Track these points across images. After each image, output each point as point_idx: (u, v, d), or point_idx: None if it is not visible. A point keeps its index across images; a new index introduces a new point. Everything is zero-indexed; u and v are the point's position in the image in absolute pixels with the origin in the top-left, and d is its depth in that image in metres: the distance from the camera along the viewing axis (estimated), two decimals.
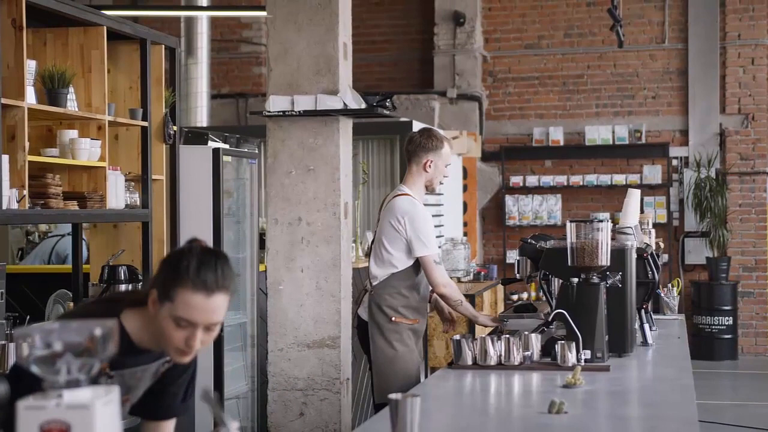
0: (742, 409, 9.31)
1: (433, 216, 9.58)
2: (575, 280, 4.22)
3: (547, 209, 12.43)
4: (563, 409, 3.15)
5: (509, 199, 12.51)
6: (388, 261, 4.91)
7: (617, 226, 5.06)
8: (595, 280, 4.23)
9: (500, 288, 10.90)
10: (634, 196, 5.33)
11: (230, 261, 2.55)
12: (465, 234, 11.79)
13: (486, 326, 4.84)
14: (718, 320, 11.82)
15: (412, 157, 5.05)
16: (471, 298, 8.83)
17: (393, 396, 2.64)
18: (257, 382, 6.57)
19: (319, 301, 5.52)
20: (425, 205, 8.86)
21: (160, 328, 2.47)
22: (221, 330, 6.02)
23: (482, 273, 10.38)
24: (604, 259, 4.21)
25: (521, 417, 3.31)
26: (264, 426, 6.53)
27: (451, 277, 9.65)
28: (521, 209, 12.50)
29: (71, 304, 5.11)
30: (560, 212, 12.35)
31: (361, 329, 5.08)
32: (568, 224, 4.27)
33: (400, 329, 4.91)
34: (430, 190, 5.11)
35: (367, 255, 8.20)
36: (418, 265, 4.95)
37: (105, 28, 4.93)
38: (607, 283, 4.28)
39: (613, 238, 4.86)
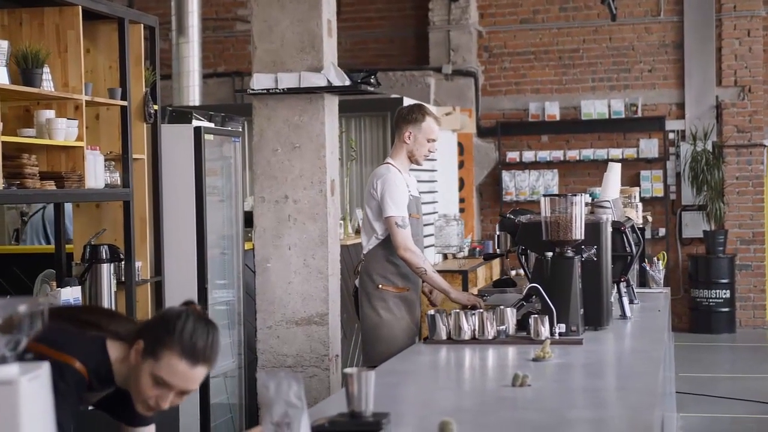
0: (740, 382, 9.33)
1: (426, 192, 9.64)
2: (549, 254, 4.23)
3: (544, 184, 12.41)
4: (527, 383, 3.17)
5: (506, 175, 12.50)
6: (371, 228, 5.07)
7: (596, 200, 5.07)
8: (570, 253, 4.24)
9: (496, 264, 10.92)
10: (614, 170, 5.33)
11: (219, 332, 2.62)
12: (462, 210, 11.79)
13: (459, 303, 4.84)
14: (716, 293, 11.82)
15: (396, 128, 5.22)
16: (464, 274, 8.85)
17: (348, 370, 2.66)
18: (245, 360, 6.60)
19: (307, 279, 5.54)
20: (419, 181, 8.90)
21: (136, 378, 2.54)
22: (206, 308, 6.05)
23: (477, 249, 10.39)
24: (578, 233, 4.22)
25: (484, 390, 3.32)
26: (253, 403, 6.57)
27: (445, 254, 9.76)
28: (518, 185, 12.49)
29: (54, 283, 5.13)
30: (557, 187, 12.34)
31: (356, 298, 5.21)
32: (542, 199, 4.28)
33: (386, 297, 5.02)
34: (413, 162, 5.18)
35: (358, 231, 8.24)
36: None
37: (80, 7, 4.92)
38: (581, 257, 4.28)
39: (591, 212, 4.87)
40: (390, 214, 4.94)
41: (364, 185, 9.75)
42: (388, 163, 5.14)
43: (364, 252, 5.13)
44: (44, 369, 1.71)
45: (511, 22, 12.65)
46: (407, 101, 9.55)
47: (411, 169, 5.30)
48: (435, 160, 10.11)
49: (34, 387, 1.67)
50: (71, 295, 4.94)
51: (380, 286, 5.04)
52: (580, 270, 4.25)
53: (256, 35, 5.54)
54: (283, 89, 5.42)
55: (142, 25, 5.65)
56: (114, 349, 2.59)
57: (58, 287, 5.01)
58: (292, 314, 5.53)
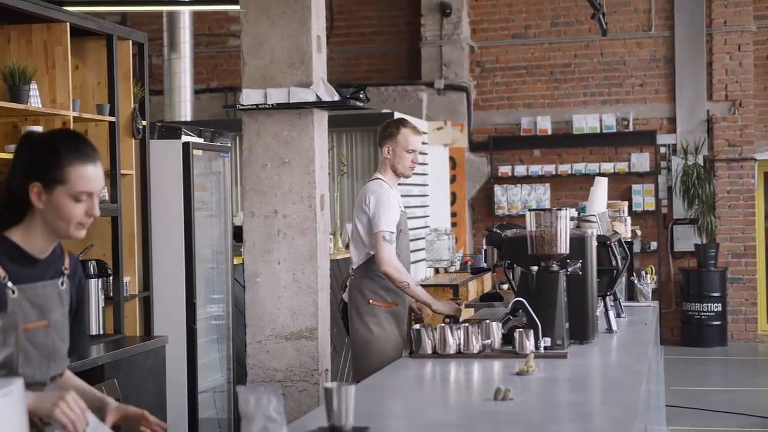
0: (732, 395, 9.33)
1: (418, 206, 9.65)
2: (534, 268, 4.24)
3: (536, 198, 12.44)
4: (509, 396, 3.18)
5: (498, 189, 12.53)
6: (362, 243, 5.12)
7: (582, 214, 5.09)
8: (555, 268, 4.25)
9: (488, 277, 10.93)
10: (601, 184, 5.35)
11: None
12: (454, 224, 11.81)
13: (441, 313, 4.92)
14: (707, 307, 11.83)
15: (379, 145, 5.31)
16: (455, 288, 8.86)
17: (327, 385, 2.67)
18: (234, 375, 6.60)
19: (297, 293, 5.55)
20: (410, 195, 8.89)
21: (54, 214, 2.60)
22: (194, 322, 6.06)
23: (469, 263, 10.39)
24: (563, 247, 4.23)
25: (466, 404, 3.33)
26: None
27: (436, 268, 9.76)
28: (510, 199, 12.52)
29: None
30: (549, 201, 12.37)
31: (344, 313, 5.26)
32: (527, 213, 4.30)
33: (377, 312, 5.05)
34: (398, 175, 5.23)
35: (348, 246, 8.25)
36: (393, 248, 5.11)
37: (68, 24, 4.95)
38: (567, 271, 4.30)
39: (577, 226, 4.89)
40: (380, 229, 5.00)
41: (354, 200, 9.77)
42: (378, 178, 5.19)
43: (354, 266, 5.18)
44: (18, 385, 1.72)
45: (503, 37, 12.71)
46: (397, 116, 9.57)
47: (400, 183, 5.34)
48: (426, 174, 10.14)
49: (7, 403, 1.68)
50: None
51: (371, 301, 5.09)
52: (566, 284, 4.27)
53: (246, 51, 5.56)
54: (272, 104, 5.44)
55: (130, 41, 5.67)
56: (14, 233, 2.64)
57: None
58: (281, 329, 5.53)
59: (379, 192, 5.08)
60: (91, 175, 2.62)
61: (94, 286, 5.20)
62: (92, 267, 5.18)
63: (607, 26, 10.63)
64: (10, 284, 2.58)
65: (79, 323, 2.85)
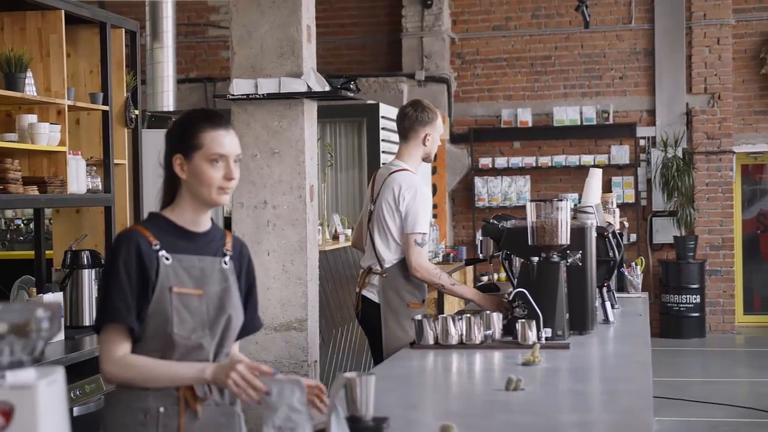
0: (710, 386, 9.41)
1: None
2: (535, 259, 4.25)
3: (516, 190, 12.48)
4: (520, 386, 3.19)
5: (478, 181, 12.55)
6: (394, 240, 4.74)
7: (578, 205, 5.10)
8: (555, 258, 4.26)
9: (470, 269, 10.96)
10: (596, 175, 5.36)
11: None
12: (435, 216, 11.82)
13: (489, 309, 4.49)
14: (686, 298, 11.92)
15: (410, 132, 4.84)
16: None
17: (348, 375, 2.66)
18: None
19: (286, 284, 5.53)
20: None
21: (196, 181, 2.74)
22: None
23: (451, 255, 10.41)
24: (564, 238, 4.25)
25: (478, 394, 3.34)
26: None
27: None
28: (490, 191, 12.54)
29: (34, 289, 5.08)
30: (529, 193, 12.41)
31: (368, 311, 4.85)
32: (528, 204, 4.30)
33: (413, 314, 4.77)
34: (427, 162, 4.94)
35: (335, 237, 8.23)
36: None
37: (63, 11, 4.90)
38: (567, 262, 4.31)
39: (574, 218, 4.90)
40: (414, 231, 4.65)
41: (340, 191, 9.75)
42: (407, 169, 4.81)
43: (385, 266, 4.77)
44: (60, 374, 1.70)
45: (484, 29, 12.72)
46: (383, 107, 9.56)
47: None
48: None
49: (51, 391, 1.66)
50: (53, 301, 4.88)
51: (410, 304, 4.77)
52: (566, 275, 4.28)
53: (236, 40, 5.53)
54: (263, 95, 5.42)
55: (123, 30, 5.62)
56: (166, 211, 2.81)
57: (39, 293, 4.95)
58: (271, 320, 5.52)
59: (416, 188, 4.70)
60: (222, 138, 2.75)
61: (87, 276, 5.13)
62: (85, 257, 5.13)
63: (590, 18, 10.67)
64: (163, 252, 2.72)
65: (252, 302, 2.93)
